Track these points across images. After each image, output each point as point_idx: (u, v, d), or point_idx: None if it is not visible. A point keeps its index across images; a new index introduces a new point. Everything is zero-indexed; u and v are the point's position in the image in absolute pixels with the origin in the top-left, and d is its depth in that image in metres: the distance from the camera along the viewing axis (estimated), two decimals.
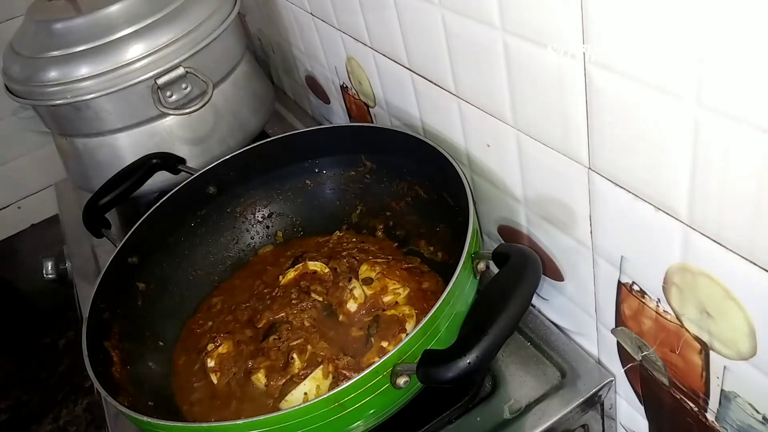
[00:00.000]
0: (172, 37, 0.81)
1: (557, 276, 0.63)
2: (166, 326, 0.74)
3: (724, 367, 0.46)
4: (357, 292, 0.69)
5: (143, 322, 0.71)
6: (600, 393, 0.62)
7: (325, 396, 0.49)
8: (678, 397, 0.54)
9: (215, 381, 0.67)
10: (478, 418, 0.61)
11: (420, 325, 0.50)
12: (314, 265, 0.74)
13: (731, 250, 0.40)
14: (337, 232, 0.81)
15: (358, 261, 0.74)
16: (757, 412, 0.46)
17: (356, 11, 0.71)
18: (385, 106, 0.79)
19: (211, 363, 0.68)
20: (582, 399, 0.61)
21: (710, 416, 0.52)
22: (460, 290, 0.55)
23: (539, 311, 0.70)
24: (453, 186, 0.63)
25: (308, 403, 0.49)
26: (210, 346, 0.69)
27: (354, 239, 0.79)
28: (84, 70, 0.79)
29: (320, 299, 0.70)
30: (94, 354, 0.60)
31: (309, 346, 0.65)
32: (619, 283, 0.53)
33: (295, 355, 0.64)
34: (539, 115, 0.51)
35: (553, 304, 0.67)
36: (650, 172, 0.43)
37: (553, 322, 0.68)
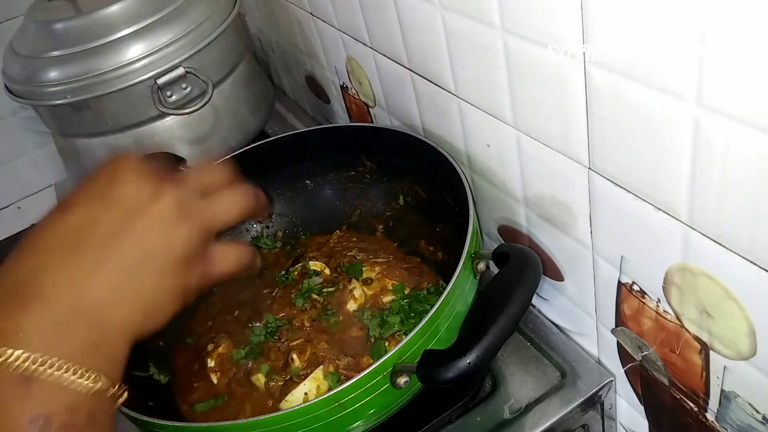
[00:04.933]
0: (172, 37, 0.81)
1: (557, 276, 0.63)
2: (166, 326, 0.73)
3: (724, 367, 0.46)
4: (357, 292, 0.69)
5: None
6: (600, 393, 0.62)
7: (325, 396, 0.49)
8: (678, 397, 0.54)
9: (215, 381, 0.67)
10: (478, 418, 0.61)
11: (420, 325, 0.51)
12: (314, 265, 0.74)
13: (731, 250, 0.40)
14: (338, 232, 0.81)
15: (358, 261, 0.74)
16: (757, 412, 0.46)
17: (356, 11, 0.71)
18: (385, 106, 0.79)
19: (211, 363, 0.68)
20: (582, 399, 0.61)
21: (710, 416, 0.52)
22: (460, 290, 0.55)
23: (539, 311, 0.70)
24: (453, 186, 0.63)
25: (308, 403, 0.49)
26: (210, 346, 0.69)
27: (354, 239, 0.79)
28: (84, 70, 0.79)
29: (320, 299, 0.70)
30: None
31: (309, 346, 0.65)
32: (619, 283, 0.53)
33: (295, 355, 0.64)
34: (539, 115, 0.51)
35: (553, 304, 0.67)
36: (650, 172, 0.43)
37: (553, 322, 0.68)
